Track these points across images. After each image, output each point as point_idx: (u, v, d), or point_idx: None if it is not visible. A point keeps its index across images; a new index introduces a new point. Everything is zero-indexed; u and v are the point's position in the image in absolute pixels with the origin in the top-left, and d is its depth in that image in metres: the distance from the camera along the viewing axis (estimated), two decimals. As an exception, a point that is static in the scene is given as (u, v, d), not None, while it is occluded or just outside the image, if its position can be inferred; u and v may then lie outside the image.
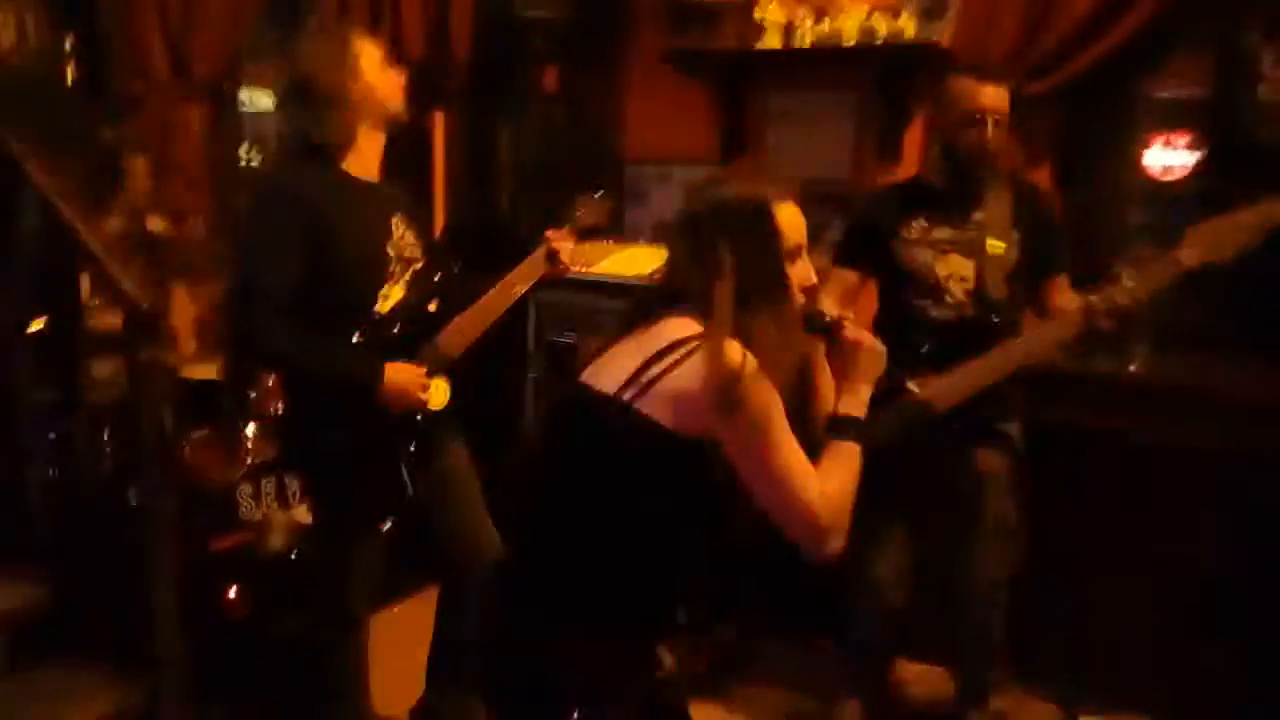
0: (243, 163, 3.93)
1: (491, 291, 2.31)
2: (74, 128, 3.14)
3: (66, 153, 2.92)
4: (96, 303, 2.80)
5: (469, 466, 2.37)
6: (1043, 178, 2.91)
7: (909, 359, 2.26)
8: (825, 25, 3.07)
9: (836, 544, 1.40)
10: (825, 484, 1.40)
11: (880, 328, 2.47)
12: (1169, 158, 3.01)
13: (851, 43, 3.04)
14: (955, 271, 2.35)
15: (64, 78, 3.27)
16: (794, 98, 3.27)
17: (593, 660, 1.43)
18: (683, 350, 1.38)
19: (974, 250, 2.34)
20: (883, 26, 2.98)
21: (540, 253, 2.33)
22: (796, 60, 3.14)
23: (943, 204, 2.39)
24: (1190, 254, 2.11)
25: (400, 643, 2.53)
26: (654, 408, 1.38)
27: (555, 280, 2.44)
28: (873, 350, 1.54)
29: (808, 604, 2.87)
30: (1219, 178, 2.73)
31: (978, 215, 2.37)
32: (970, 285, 2.34)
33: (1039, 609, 2.65)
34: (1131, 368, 2.80)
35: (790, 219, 1.48)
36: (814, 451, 1.44)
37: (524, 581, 1.50)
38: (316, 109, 2.11)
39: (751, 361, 1.34)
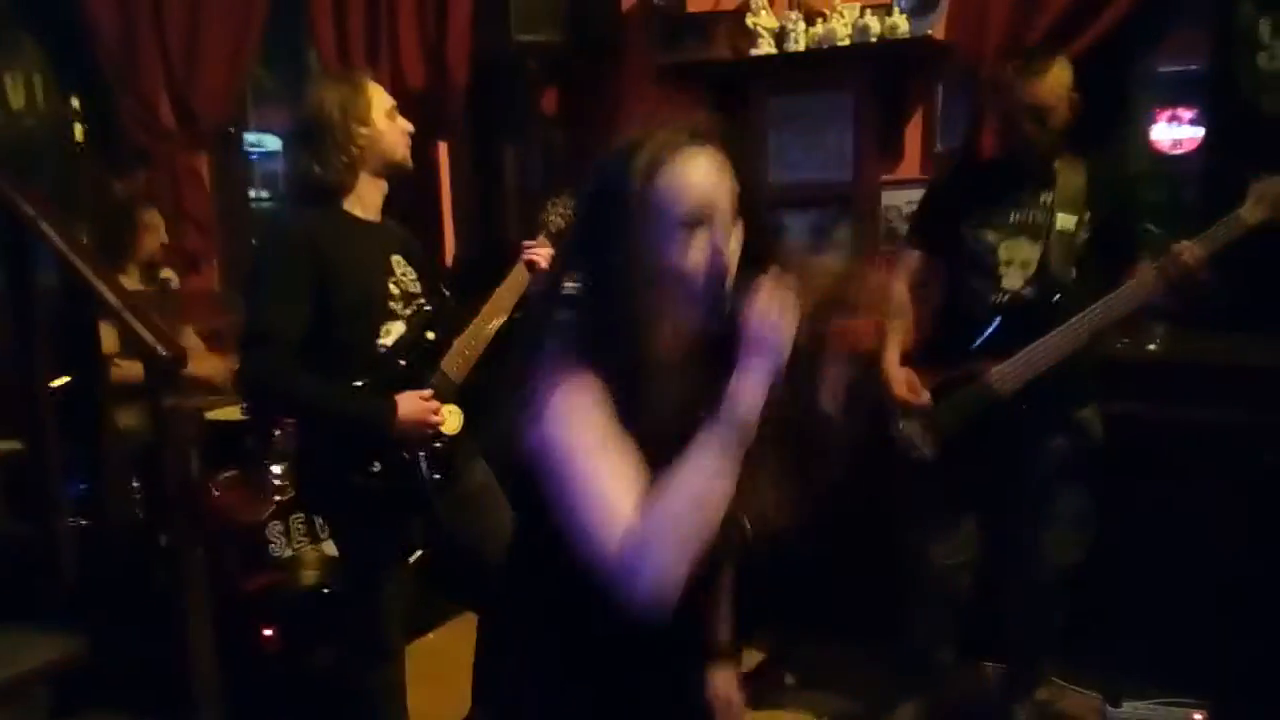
0: (252, 203, 3.99)
1: (483, 311, 2.33)
2: (85, 184, 3.20)
3: (79, 208, 2.99)
4: (118, 355, 2.85)
5: (493, 486, 2.38)
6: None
7: (970, 344, 2.27)
8: (819, 27, 3.08)
9: (642, 589, 1.04)
10: (660, 500, 1.07)
11: (944, 311, 2.46)
12: (1176, 132, 3.00)
13: (845, 43, 3.04)
14: (1017, 256, 2.32)
15: (73, 135, 3.33)
16: (791, 102, 3.27)
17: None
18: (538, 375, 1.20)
19: (1040, 232, 2.30)
20: (876, 25, 2.99)
21: (519, 266, 2.35)
22: (792, 64, 3.14)
23: (1013, 185, 2.35)
24: (1254, 211, 2.10)
25: (439, 669, 2.54)
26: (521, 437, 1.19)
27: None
28: (775, 327, 1.11)
29: (855, 604, 2.84)
30: (1222, 150, 2.70)
31: (1045, 196, 2.32)
32: (1032, 270, 2.31)
33: (1077, 596, 2.63)
34: (1151, 346, 2.77)
35: (694, 177, 1.15)
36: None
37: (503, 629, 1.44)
38: (323, 149, 2.14)
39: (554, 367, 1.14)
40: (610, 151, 1.20)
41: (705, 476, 1.08)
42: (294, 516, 2.86)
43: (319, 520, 2.88)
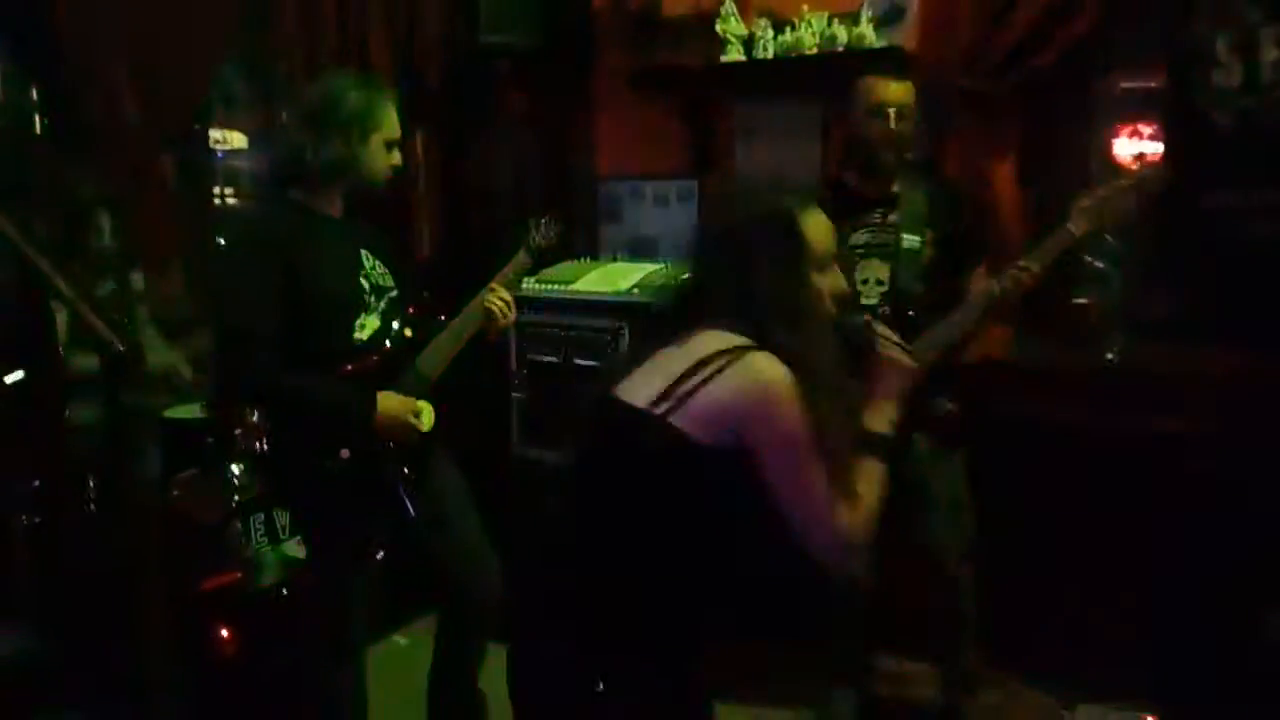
0: (217, 201, 3.95)
1: (462, 313, 2.32)
2: (43, 176, 3.15)
3: (36, 201, 2.94)
4: (74, 351, 2.81)
5: (463, 488, 2.37)
6: (1007, 174, 2.94)
7: None
8: (787, 36, 3.11)
9: (856, 561, 1.47)
10: (851, 504, 1.40)
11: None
12: (1137, 147, 3.05)
13: (813, 51, 3.07)
14: (872, 275, 2.45)
15: (31, 127, 3.28)
16: (760, 109, 3.30)
17: (639, 686, 1.41)
18: (718, 363, 1.37)
19: (889, 252, 2.43)
20: (843, 34, 3.02)
21: (478, 305, 2.32)
22: (760, 72, 3.17)
23: (860, 207, 2.47)
24: (1077, 225, 2.23)
25: (403, 670, 2.52)
26: (688, 422, 1.37)
27: (532, 303, 2.45)
28: (902, 366, 1.54)
29: (776, 609, 2.88)
30: (1179, 165, 2.76)
31: (893, 216, 2.45)
32: (886, 287, 2.43)
33: (1034, 602, 2.66)
34: (1109, 358, 2.82)
35: (818, 229, 1.49)
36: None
37: (561, 611, 1.48)
38: (327, 135, 2.13)
39: (788, 375, 1.36)
40: (756, 200, 1.53)
41: (880, 488, 1.46)
42: (254, 516, 2.83)
43: (280, 520, 2.85)
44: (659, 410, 1.38)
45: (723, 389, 1.36)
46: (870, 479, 1.45)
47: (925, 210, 2.44)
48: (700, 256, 1.54)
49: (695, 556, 1.44)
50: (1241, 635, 2.45)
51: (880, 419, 1.51)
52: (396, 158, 2.23)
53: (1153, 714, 2.40)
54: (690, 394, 1.37)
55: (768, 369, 1.36)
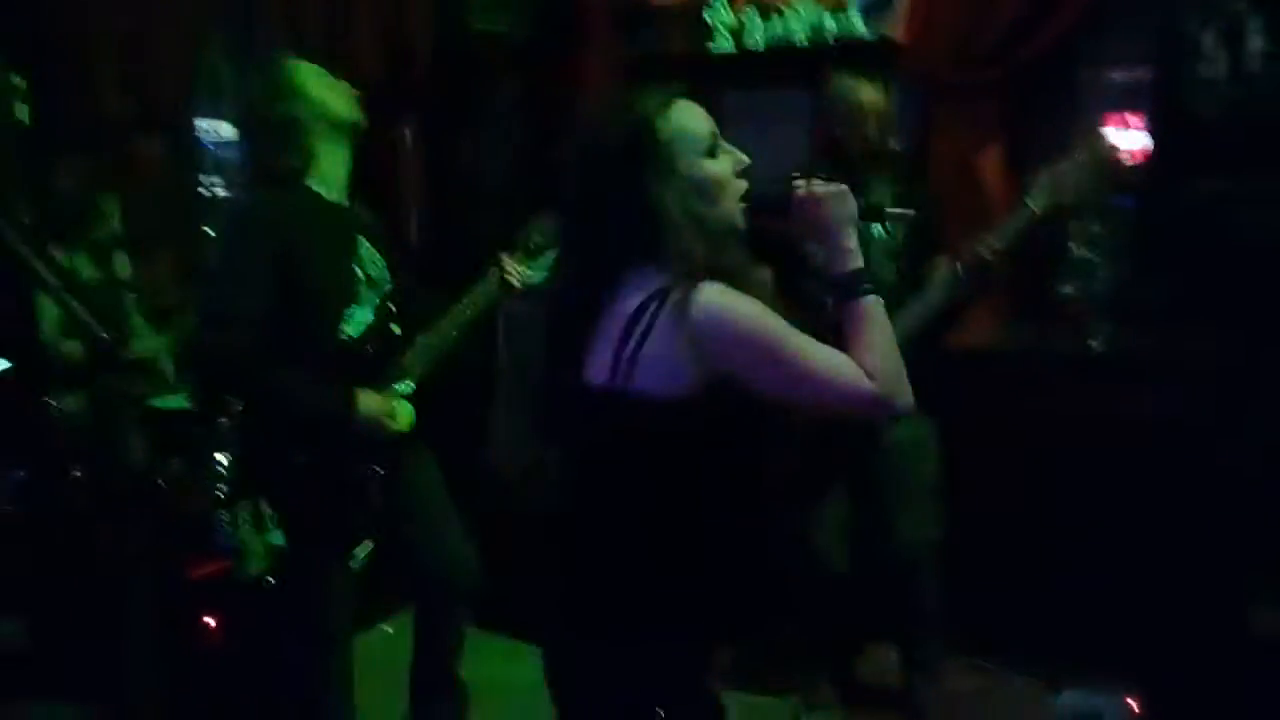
0: (206, 190, 3.93)
1: (449, 313, 2.30)
2: (28, 165, 3.14)
3: (21, 190, 2.92)
4: (61, 340, 2.80)
5: (439, 482, 2.37)
6: (993, 164, 2.95)
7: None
8: (776, 25, 3.11)
9: (904, 400, 1.32)
10: (862, 355, 1.30)
11: (786, 316, 2.56)
12: (1124, 138, 3.05)
13: (803, 42, 3.07)
14: None
15: (15, 114, 3.26)
16: (749, 99, 3.30)
17: (655, 668, 1.36)
18: (648, 312, 1.29)
19: (862, 240, 2.41)
20: (833, 24, 3.02)
21: (491, 276, 2.33)
22: (749, 62, 3.17)
23: None
24: (1037, 200, 2.24)
25: (389, 658, 2.52)
26: (647, 381, 1.28)
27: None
28: (838, 193, 1.39)
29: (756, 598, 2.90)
30: (1164, 154, 2.77)
31: (865, 204, 2.44)
32: None
33: (1017, 588, 2.68)
34: (1094, 346, 2.84)
35: (690, 118, 1.37)
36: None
37: (571, 603, 1.43)
38: (271, 140, 2.12)
39: (716, 293, 1.26)
40: (608, 111, 1.41)
41: (884, 322, 1.34)
42: (240, 505, 2.82)
43: (266, 510, 2.84)
44: (615, 383, 1.30)
45: (663, 333, 1.27)
46: (867, 323, 1.33)
47: (895, 196, 2.45)
48: (572, 211, 1.42)
49: (694, 527, 1.36)
50: (1225, 621, 2.47)
51: (843, 256, 1.37)
52: (346, 86, 2.18)
53: (1135, 698, 2.42)
54: (635, 354, 1.28)
55: (701, 300, 1.25)
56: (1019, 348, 2.92)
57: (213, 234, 3.49)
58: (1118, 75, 2.97)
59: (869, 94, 2.44)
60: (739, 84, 3.33)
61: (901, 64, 2.97)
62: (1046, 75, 2.93)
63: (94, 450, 2.74)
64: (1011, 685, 2.76)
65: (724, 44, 3.17)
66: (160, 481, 2.83)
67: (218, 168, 3.89)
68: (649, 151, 1.32)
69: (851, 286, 1.36)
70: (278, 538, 2.81)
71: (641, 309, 1.29)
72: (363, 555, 2.31)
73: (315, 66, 2.19)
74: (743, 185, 1.39)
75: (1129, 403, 2.68)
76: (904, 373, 1.32)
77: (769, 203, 1.41)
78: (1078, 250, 2.92)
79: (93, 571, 2.50)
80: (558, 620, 1.44)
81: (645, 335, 1.28)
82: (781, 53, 3.11)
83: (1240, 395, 2.56)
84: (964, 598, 2.54)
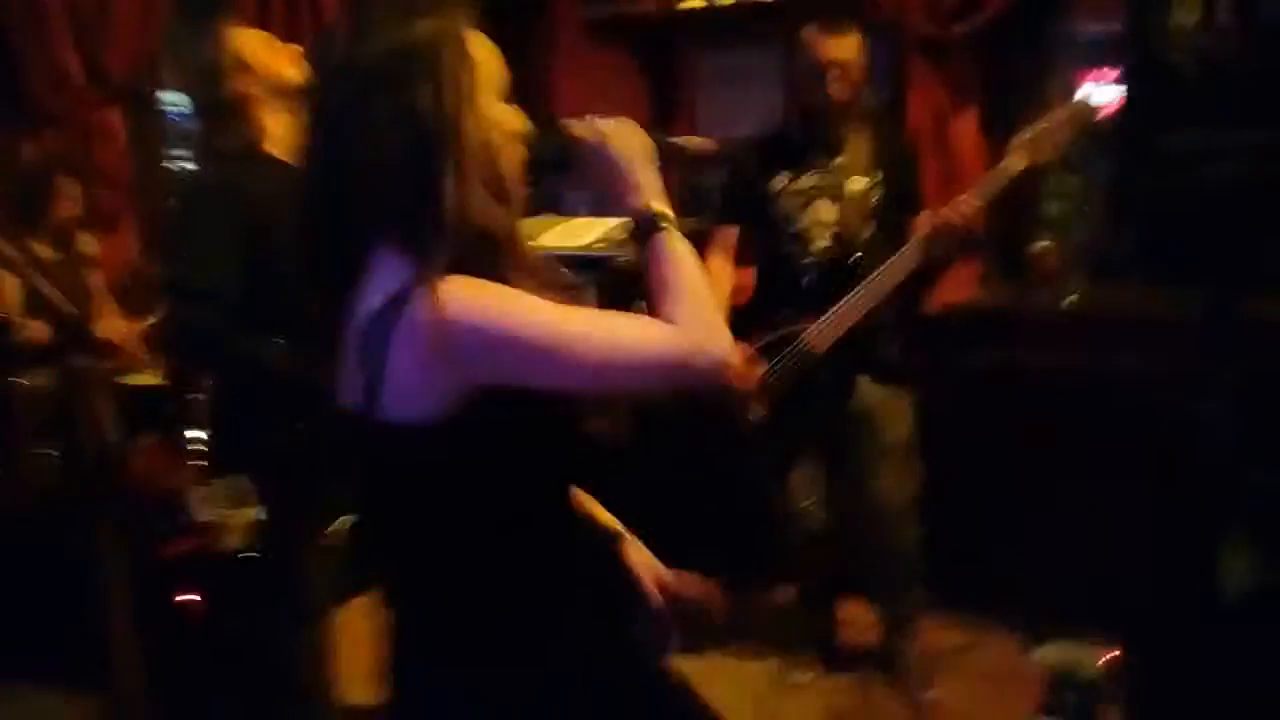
0: (169, 165, 3.86)
1: None
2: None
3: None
4: (25, 318, 2.75)
5: None
6: (968, 120, 2.93)
7: (789, 305, 2.43)
8: (747, -19, 3.07)
9: (718, 351, 1.08)
10: (667, 304, 1.08)
11: (761, 278, 2.60)
12: (1100, 93, 3.04)
13: (773, -3, 3.03)
14: (820, 218, 2.47)
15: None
16: (721, 57, 3.27)
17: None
18: (385, 321, 1.00)
19: (837, 195, 2.46)
20: (803, -21, 2.97)
21: None
22: (719, 18, 3.13)
23: (805, 153, 2.50)
24: (1015, 160, 2.25)
25: (370, 631, 2.52)
26: (395, 410, 1.01)
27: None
28: (620, 127, 1.18)
29: (744, 556, 2.92)
30: (1137, 108, 2.76)
31: (839, 160, 2.47)
32: (835, 229, 2.46)
33: (996, 543, 2.70)
34: (1067, 301, 2.84)
35: (486, 49, 1.09)
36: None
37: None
38: (223, 117, 2.06)
39: (454, 279, 0.99)
40: (368, 42, 1.04)
41: (691, 263, 1.11)
42: (216, 480, 2.79)
43: (244, 484, 2.82)
44: (362, 408, 1.03)
45: (408, 353, 0.99)
46: (673, 265, 1.10)
47: (872, 153, 2.46)
48: (313, 153, 1.09)
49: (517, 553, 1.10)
50: (1200, 570, 2.49)
51: (643, 194, 1.14)
52: (290, 48, 2.11)
53: (1113, 649, 2.45)
54: (378, 378, 1.01)
55: (437, 304, 0.97)
56: (994, 305, 2.92)
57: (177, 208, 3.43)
58: (1092, 28, 2.95)
59: (838, 49, 2.40)
60: (711, 43, 3.30)
61: (874, 17, 2.94)
62: (1021, 27, 2.90)
63: (65, 428, 2.70)
64: (990, 640, 2.79)
65: (695, 2, 3.13)
66: (134, 458, 2.81)
67: (183, 139, 3.81)
68: (428, 81, 1.01)
69: (649, 225, 1.13)
70: (256, 512, 2.81)
71: (380, 316, 1.01)
72: (343, 527, 2.30)
73: (259, 33, 2.14)
74: (522, 148, 1.11)
75: (1107, 356, 2.69)
76: (719, 320, 1.09)
77: (546, 157, 1.17)
78: (1052, 205, 2.91)
79: (66, 551, 2.47)
80: None
81: (384, 351, 1.00)
82: (753, 8, 3.06)
83: (1212, 350, 2.57)
84: (942, 554, 2.56)
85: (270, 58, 2.10)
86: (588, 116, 1.19)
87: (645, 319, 1.08)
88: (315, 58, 1.14)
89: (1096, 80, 3.03)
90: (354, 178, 1.03)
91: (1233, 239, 2.59)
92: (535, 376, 1.02)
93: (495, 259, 1.04)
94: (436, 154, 1.01)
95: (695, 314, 1.07)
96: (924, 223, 2.36)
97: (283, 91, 2.10)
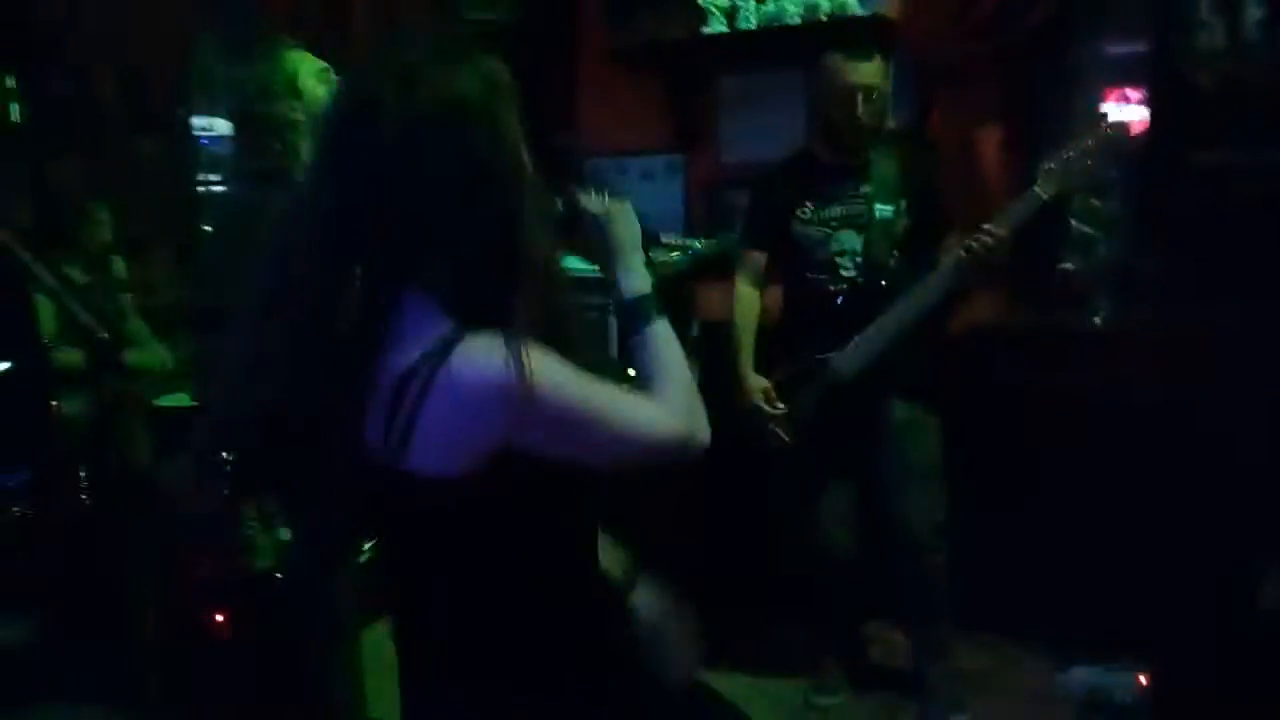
0: (202, 188, 3.91)
1: None
2: (23, 166, 3.12)
3: (17, 192, 2.91)
4: (60, 345, 2.79)
5: None
6: (992, 140, 2.93)
7: (816, 332, 2.44)
8: (769, 5, 3.08)
9: (703, 434, 1.16)
10: (662, 387, 1.16)
11: (788, 306, 2.61)
12: (1125, 112, 3.03)
13: (796, 22, 3.05)
14: (845, 247, 2.47)
15: (8, 115, 3.25)
16: (743, 81, 3.28)
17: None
18: (422, 374, 0.99)
19: (863, 223, 2.46)
20: (825, 2, 2.99)
21: None
22: (743, 43, 3.15)
23: (831, 180, 2.50)
24: (1046, 188, 2.24)
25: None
26: (424, 459, 1.01)
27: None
28: (620, 212, 1.24)
29: (763, 581, 2.91)
30: (1162, 128, 2.75)
31: (865, 188, 2.47)
32: (860, 258, 2.46)
33: (1025, 565, 2.68)
34: (1096, 320, 2.83)
35: (515, 94, 1.08)
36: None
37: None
38: (263, 137, 2.10)
39: (509, 356, 0.98)
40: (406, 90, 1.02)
41: (677, 350, 1.20)
42: (247, 502, 2.82)
43: (272, 505, 2.85)
44: (387, 451, 1.02)
45: (445, 411, 0.99)
46: (661, 352, 1.18)
47: (899, 180, 2.46)
48: (338, 195, 1.03)
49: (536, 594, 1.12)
50: (1234, 595, 2.47)
51: (634, 278, 1.21)
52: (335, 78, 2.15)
53: (1145, 673, 2.42)
54: (410, 424, 1.00)
55: (481, 367, 0.98)
56: (1021, 325, 2.91)
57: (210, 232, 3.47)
58: (1116, 49, 2.95)
59: (862, 73, 2.40)
60: (733, 67, 3.32)
61: (897, 41, 2.95)
62: (1045, 50, 2.90)
63: (99, 450, 2.74)
64: (1021, 663, 2.76)
65: (717, 26, 3.15)
66: (166, 480, 2.84)
67: (215, 165, 3.86)
68: (486, 128, 1.02)
69: (643, 312, 1.20)
70: (285, 533, 2.83)
71: (418, 366, 1.00)
72: (369, 546, 2.31)
73: (318, 61, 2.16)
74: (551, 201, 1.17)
75: (1133, 378, 2.67)
76: (699, 401, 1.17)
77: (556, 215, 1.24)
78: (1079, 226, 2.90)
79: (99, 572, 2.50)
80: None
81: (421, 401, 0.99)
82: (775, 33, 3.08)
83: (1243, 368, 2.55)
84: (972, 575, 2.54)
85: (324, 92, 2.14)
86: (591, 197, 1.26)
87: (649, 402, 1.15)
88: (347, 99, 1.06)
89: (1122, 100, 3.02)
90: (393, 223, 1.02)
91: (1259, 256, 2.58)
92: (562, 448, 1.05)
93: (542, 295, 1.06)
94: (505, 198, 1.03)
95: (688, 400, 1.16)
96: (951, 250, 2.36)
97: None
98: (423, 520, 1.08)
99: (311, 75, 2.14)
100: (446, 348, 0.99)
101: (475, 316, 1.01)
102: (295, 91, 2.10)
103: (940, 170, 2.65)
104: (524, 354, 0.99)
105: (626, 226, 1.24)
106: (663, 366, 1.18)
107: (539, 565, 1.12)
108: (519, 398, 0.98)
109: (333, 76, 2.16)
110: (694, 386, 1.18)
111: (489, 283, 1.03)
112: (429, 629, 1.15)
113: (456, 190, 1.02)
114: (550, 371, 1.01)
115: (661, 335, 1.20)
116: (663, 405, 1.15)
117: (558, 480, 1.08)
